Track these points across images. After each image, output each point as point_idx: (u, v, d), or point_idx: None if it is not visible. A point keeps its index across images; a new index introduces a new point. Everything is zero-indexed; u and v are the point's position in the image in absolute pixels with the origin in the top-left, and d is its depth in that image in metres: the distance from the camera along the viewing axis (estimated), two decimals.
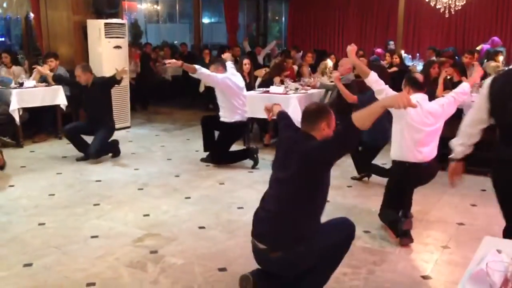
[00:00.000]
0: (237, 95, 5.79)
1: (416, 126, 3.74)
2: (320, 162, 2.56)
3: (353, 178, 5.39)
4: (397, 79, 5.24)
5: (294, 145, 2.69)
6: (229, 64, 6.02)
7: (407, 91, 3.80)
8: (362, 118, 2.39)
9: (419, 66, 9.00)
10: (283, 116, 3.26)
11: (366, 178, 5.37)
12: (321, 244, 2.69)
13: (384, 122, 4.77)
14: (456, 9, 9.31)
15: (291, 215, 2.63)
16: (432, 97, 5.86)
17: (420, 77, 3.95)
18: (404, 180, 3.95)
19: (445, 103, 3.83)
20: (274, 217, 2.69)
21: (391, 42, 11.65)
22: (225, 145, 5.96)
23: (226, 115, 5.83)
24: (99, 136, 6.02)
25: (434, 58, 8.49)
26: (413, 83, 3.89)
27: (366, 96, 4.73)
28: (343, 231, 2.79)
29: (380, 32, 13.51)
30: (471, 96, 5.69)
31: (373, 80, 3.89)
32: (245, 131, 6.37)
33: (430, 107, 3.79)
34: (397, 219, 3.79)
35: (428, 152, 3.83)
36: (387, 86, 3.91)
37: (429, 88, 6.08)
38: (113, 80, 6.01)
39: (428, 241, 3.84)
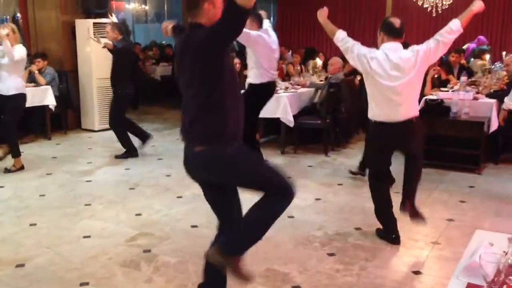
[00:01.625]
0: (268, 56, 5.31)
1: (383, 83, 3.37)
2: (213, 49, 2.28)
3: (351, 173, 5.37)
4: None
5: (185, 45, 2.41)
6: (266, 23, 5.49)
7: (382, 38, 3.42)
8: None
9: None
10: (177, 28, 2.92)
11: (360, 176, 5.33)
12: (249, 165, 2.51)
13: None
14: (443, 8, 9.41)
15: (206, 112, 2.39)
16: (421, 95, 5.97)
17: (397, 22, 3.40)
18: (381, 142, 3.63)
19: (422, 49, 3.34)
20: (193, 119, 2.44)
21: None
22: (253, 111, 5.34)
23: (252, 76, 5.46)
24: (111, 106, 6.18)
25: None
26: (388, 28, 3.39)
27: None
28: (281, 181, 2.52)
29: (368, 31, 13.59)
30: (456, 93, 5.78)
31: (340, 38, 3.51)
32: (272, 92, 5.67)
33: (399, 58, 3.32)
34: (387, 229, 3.73)
35: (404, 110, 3.44)
36: (357, 42, 3.53)
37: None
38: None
39: (418, 237, 3.88)
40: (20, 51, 5.27)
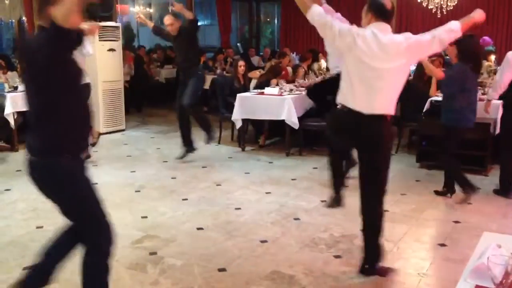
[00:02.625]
0: None
1: (367, 62, 2.95)
2: (44, 57, 2.22)
3: (436, 193, 4.91)
4: None
5: (29, 52, 2.35)
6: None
7: (369, 19, 3.05)
8: None
9: (412, 66, 9.05)
10: None
11: (448, 195, 4.85)
12: (78, 188, 2.52)
13: (473, 101, 4.56)
14: (448, 9, 9.40)
15: (39, 121, 2.38)
16: (426, 97, 5.96)
17: (388, 3, 3.06)
18: (338, 127, 3.30)
19: (415, 38, 3.00)
20: (33, 128, 2.42)
21: None
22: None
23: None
24: (189, 87, 6.05)
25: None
26: (378, 9, 3.03)
27: (453, 69, 4.37)
28: (102, 223, 2.62)
29: None
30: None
31: (317, 12, 3.04)
32: None
33: (389, 39, 2.97)
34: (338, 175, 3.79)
35: (381, 101, 3.01)
36: (335, 19, 3.14)
37: (423, 89, 6.16)
38: (194, 23, 6.06)
39: (424, 239, 3.88)
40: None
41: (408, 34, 3.04)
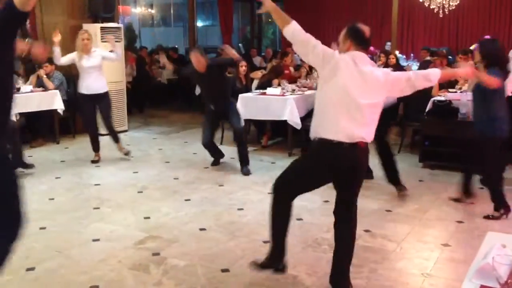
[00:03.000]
0: None
1: (348, 88, 2.78)
2: None
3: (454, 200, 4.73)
4: None
5: None
6: None
7: (348, 46, 2.89)
8: None
9: (414, 66, 9.06)
10: None
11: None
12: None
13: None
14: (450, 9, 9.39)
15: None
16: (428, 97, 5.95)
17: (367, 30, 2.94)
18: (313, 163, 2.98)
19: (394, 76, 2.89)
20: None
21: (389, 43, 11.73)
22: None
23: None
24: (235, 112, 5.90)
25: (428, 58, 8.55)
26: (357, 37, 2.89)
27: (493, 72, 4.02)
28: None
29: (374, 32, 13.53)
30: (465, 94, 5.72)
31: (298, 28, 2.89)
32: None
33: (369, 70, 2.83)
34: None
35: (361, 131, 2.83)
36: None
37: (426, 88, 6.14)
38: (230, 62, 5.95)
39: (428, 240, 3.87)
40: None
41: (387, 70, 2.99)
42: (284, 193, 3.00)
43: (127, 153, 6.30)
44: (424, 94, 5.98)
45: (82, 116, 6.35)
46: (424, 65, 6.98)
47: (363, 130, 2.83)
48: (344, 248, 3.04)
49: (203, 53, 5.60)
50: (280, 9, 2.98)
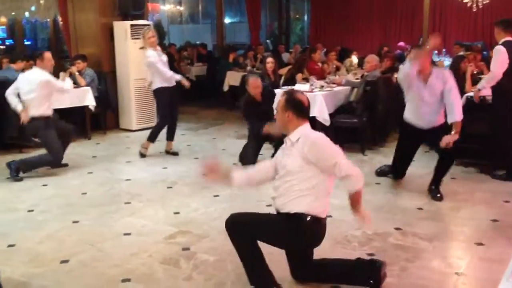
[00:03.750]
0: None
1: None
2: None
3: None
4: None
5: None
6: None
7: (287, 116, 2.87)
8: None
9: (446, 62, 8.87)
10: None
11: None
12: None
13: None
14: (484, 2, 9.15)
15: None
16: (461, 92, 5.81)
17: (305, 100, 2.93)
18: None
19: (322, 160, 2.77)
20: None
21: (422, 38, 11.50)
22: None
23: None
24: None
25: (462, 53, 8.35)
26: (297, 108, 2.88)
27: None
28: None
29: (405, 27, 13.34)
30: None
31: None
32: None
33: (300, 150, 2.79)
34: None
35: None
36: None
37: (459, 84, 6.01)
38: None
39: (461, 238, 3.79)
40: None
41: (297, 160, 2.82)
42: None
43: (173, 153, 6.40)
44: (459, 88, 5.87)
45: (161, 109, 6.47)
46: (456, 60, 6.80)
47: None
48: None
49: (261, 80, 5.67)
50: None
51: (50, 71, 5.48)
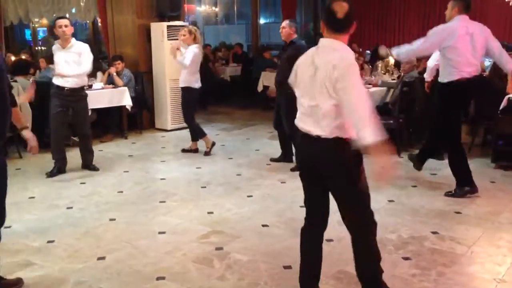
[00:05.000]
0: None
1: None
2: None
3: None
4: None
5: None
6: None
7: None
8: None
9: (487, 62, 8.60)
10: None
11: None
12: None
13: None
14: None
15: None
16: (503, 94, 5.63)
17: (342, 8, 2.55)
18: None
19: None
20: None
21: None
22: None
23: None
24: None
25: None
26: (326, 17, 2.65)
27: None
28: None
29: (437, 19, 13.01)
30: None
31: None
32: None
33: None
34: None
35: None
36: None
37: (500, 85, 5.83)
38: None
39: (500, 244, 3.67)
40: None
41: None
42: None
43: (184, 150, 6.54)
44: (498, 90, 5.70)
45: (191, 109, 6.62)
46: None
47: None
48: None
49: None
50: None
51: None
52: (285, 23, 5.54)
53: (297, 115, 2.70)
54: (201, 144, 6.55)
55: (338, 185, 2.65)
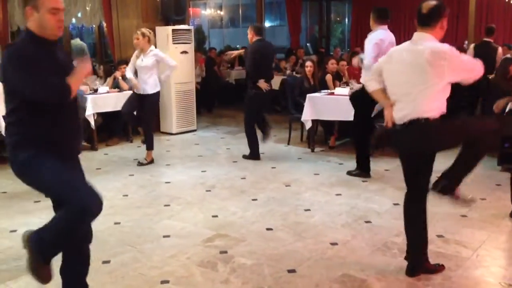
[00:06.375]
0: None
1: None
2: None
3: None
4: None
5: None
6: None
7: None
8: None
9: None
10: None
11: None
12: (40, 173, 2.60)
13: None
14: None
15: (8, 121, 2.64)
16: (509, 96, 5.60)
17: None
18: None
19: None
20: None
21: (467, 42, 11.19)
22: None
23: None
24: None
25: (510, 55, 8.05)
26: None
27: None
28: (74, 194, 2.67)
29: (450, 28, 12.90)
30: None
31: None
32: None
33: None
34: None
35: None
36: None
37: (506, 87, 5.81)
38: None
39: (506, 247, 3.66)
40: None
41: None
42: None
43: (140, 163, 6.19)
44: (504, 92, 5.67)
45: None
46: (504, 63, 6.57)
47: None
48: None
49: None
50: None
51: None
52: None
53: None
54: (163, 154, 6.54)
55: None
